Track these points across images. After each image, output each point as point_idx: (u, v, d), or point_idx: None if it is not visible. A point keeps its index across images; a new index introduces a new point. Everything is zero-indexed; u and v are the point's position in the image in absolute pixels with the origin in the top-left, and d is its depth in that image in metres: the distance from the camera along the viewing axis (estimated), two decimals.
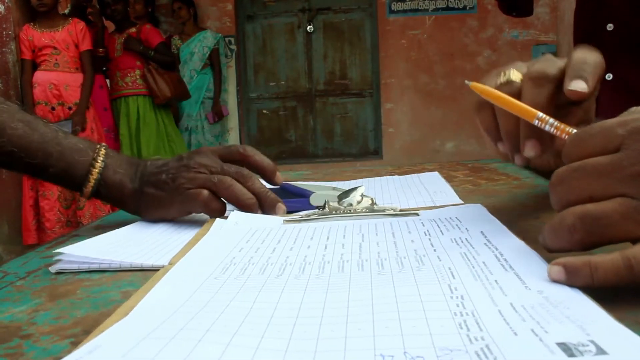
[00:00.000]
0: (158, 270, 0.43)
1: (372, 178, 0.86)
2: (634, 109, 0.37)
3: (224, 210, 0.60)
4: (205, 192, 0.59)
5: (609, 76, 1.17)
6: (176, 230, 0.59)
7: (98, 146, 0.64)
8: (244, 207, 0.60)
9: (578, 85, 0.43)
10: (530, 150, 0.46)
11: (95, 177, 0.62)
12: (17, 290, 0.43)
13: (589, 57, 0.45)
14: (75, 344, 0.32)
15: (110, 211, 3.21)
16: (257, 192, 0.61)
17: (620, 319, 0.28)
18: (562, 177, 0.37)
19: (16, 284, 0.45)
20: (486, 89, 0.47)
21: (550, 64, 0.47)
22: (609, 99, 1.13)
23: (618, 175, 0.34)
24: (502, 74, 0.48)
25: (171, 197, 0.60)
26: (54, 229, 3.19)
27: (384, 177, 0.85)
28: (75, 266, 0.48)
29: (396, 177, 0.84)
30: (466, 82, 0.49)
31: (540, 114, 0.44)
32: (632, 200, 0.34)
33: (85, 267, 0.47)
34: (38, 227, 3.23)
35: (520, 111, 0.45)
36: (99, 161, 0.62)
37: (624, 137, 0.35)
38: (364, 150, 5.08)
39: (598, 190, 0.35)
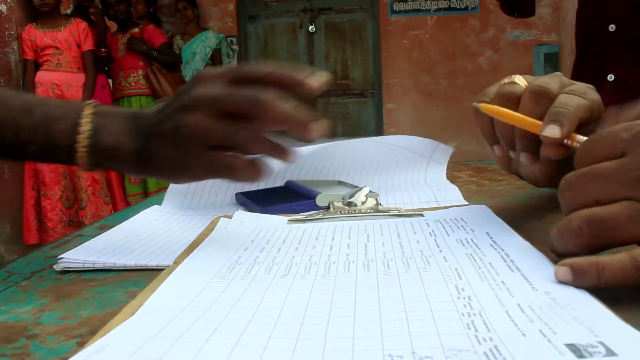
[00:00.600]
0: (163, 270, 0.43)
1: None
2: None
3: (261, 171, 0.47)
4: (231, 160, 0.47)
5: (611, 77, 1.17)
6: (180, 229, 0.59)
7: (82, 106, 0.51)
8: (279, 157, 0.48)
9: (550, 132, 0.44)
10: (524, 159, 0.48)
11: (84, 144, 0.49)
12: (22, 291, 0.43)
13: (572, 101, 0.45)
14: (81, 344, 0.32)
15: (113, 211, 3.22)
16: (285, 119, 0.45)
17: (627, 320, 0.28)
18: (570, 183, 0.37)
19: (21, 284, 0.45)
20: (494, 109, 0.49)
21: (554, 81, 0.48)
22: (610, 99, 1.13)
23: (623, 179, 0.35)
24: (507, 78, 0.50)
25: (182, 158, 0.48)
26: (56, 228, 3.20)
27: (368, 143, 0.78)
28: (79, 265, 0.48)
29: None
30: (474, 104, 0.51)
31: None
32: (637, 204, 0.34)
33: (90, 265, 0.47)
34: (39, 227, 3.24)
35: (529, 125, 0.46)
36: (85, 125, 0.50)
37: (629, 142, 0.35)
38: None
39: (604, 194, 0.35)
